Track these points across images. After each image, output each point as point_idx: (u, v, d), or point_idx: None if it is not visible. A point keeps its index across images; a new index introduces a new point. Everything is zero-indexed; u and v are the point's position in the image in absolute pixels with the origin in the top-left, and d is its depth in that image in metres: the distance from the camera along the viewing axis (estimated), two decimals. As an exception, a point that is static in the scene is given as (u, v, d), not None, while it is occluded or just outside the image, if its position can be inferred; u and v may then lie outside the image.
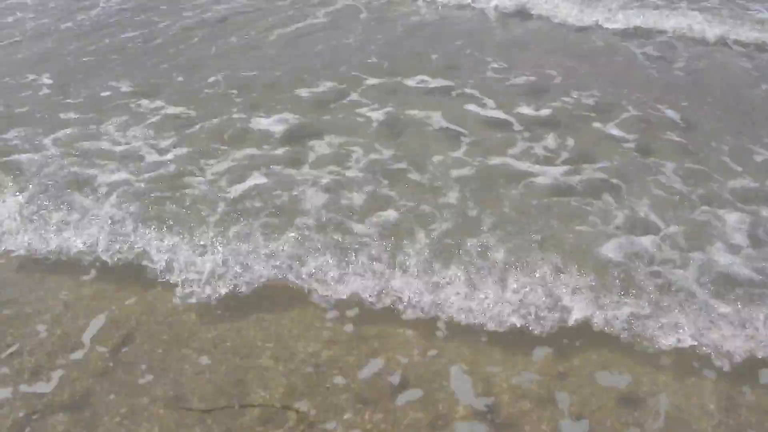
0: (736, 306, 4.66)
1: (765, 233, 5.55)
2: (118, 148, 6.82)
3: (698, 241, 5.39)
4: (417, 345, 4.47)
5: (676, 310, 4.61)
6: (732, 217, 5.73)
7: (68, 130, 7.18)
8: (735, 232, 5.53)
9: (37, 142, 6.91)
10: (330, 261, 5.08)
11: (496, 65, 9.03)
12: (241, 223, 5.52)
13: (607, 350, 4.42)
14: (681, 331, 4.47)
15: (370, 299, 4.84)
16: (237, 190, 6.04)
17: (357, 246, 5.23)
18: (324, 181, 6.14)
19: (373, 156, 6.63)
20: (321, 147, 6.83)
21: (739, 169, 6.57)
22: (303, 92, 8.22)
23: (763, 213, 5.85)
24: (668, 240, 5.38)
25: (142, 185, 6.10)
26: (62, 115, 7.59)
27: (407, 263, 5.06)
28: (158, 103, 7.90)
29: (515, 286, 4.83)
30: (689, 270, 5.02)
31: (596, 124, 7.38)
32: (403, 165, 6.47)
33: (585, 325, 4.59)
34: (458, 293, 4.80)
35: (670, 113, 7.75)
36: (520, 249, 5.19)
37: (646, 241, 5.34)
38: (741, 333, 4.47)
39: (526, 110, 7.65)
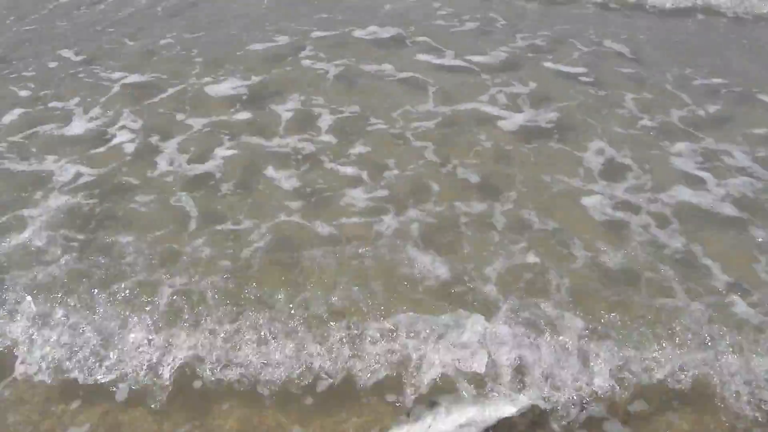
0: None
1: (721, 163, 5.32)
2: (73, 132, 5.92)
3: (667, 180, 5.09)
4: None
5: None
6: (685, 148, 5.51)
7: (19, 111, 6.30)
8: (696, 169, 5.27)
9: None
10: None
11: (443, 12, 8.43)
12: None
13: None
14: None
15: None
16: (202, 170, 5.25)
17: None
18: (295, 155, 5.42)
19: (339, 115, 5.99)
20: (286, 111, 6.09)
21: (686, 98, 6.31)
22: (257, 48, 7.48)
23: (711, 141, 5.63)
24: (641, 186, 5.02)
25: (96, 179, 5.16)
26: (12, 93, 6.67)
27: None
28: (112, 72, 7.03)
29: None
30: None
31: (549, 64, 6.92)
32: (378, 122, 5.87)
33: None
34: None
35: (616, 47, 7.38)
36: (512, 214, 4.72)
37: (621, 189, 4.98)
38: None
39: (480, 56, 7.09)
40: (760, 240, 4.45)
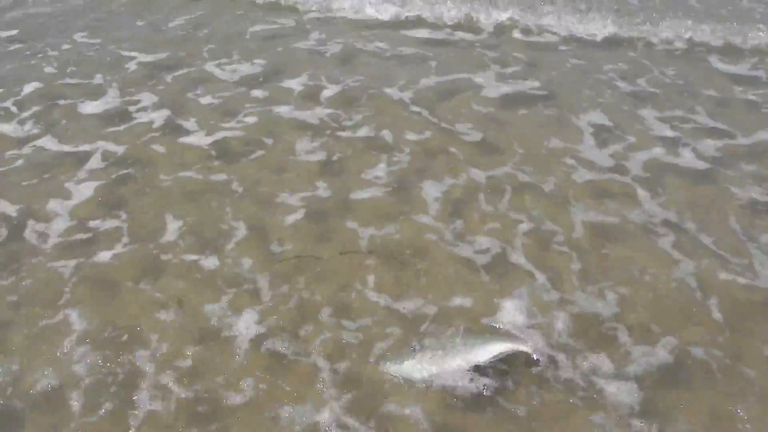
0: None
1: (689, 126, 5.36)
2: (96, 110, 5.71)
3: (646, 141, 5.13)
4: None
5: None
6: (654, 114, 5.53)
7: (41, 90, 6.06)
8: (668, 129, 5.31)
9: (5, 106, 5.75)
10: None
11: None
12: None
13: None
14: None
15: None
16: (225, 145, 5.11)
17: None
18: (314, 128, 5.28)
19: (345, 88, 5.90)
20: (298, 86, 5.97)
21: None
22: (258, 30, 7.32)
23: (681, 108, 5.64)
24: (623, 147, 5.04)
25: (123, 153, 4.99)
26: (32, 72, 6.43)
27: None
28: (127, 51, 6.81)
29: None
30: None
31: (527, 38, 6.92)
32: (383, 93, 5.81)
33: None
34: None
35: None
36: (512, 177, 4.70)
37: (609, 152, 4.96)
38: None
39: (468, 33, 7.06)
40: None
